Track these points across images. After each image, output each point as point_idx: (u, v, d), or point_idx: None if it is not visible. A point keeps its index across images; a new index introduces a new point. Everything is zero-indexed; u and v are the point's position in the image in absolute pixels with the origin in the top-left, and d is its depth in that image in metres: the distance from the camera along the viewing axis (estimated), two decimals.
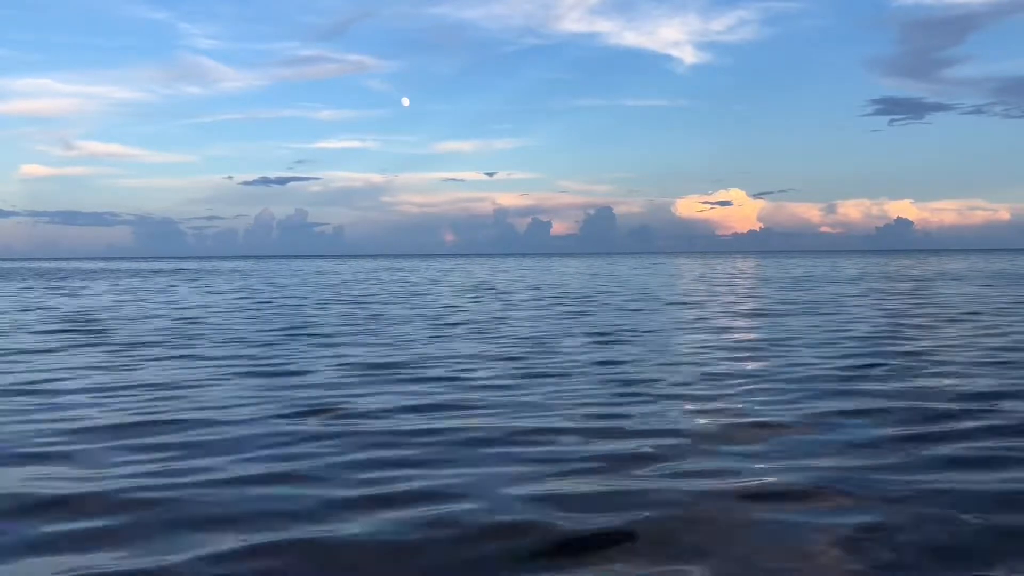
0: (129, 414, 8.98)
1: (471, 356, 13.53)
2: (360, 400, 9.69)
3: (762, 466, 6.65)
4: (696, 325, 18.69)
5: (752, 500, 5.79)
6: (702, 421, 8.32)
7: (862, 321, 19.10)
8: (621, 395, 9.83)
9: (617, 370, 11.79)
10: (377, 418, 8.67)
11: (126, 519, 5.50)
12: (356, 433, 7.95)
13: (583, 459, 6.91)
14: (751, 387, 10.26)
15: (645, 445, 7.38)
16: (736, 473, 6.45)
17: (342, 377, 11.45)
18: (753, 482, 6.20)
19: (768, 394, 9.78)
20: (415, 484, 6.25)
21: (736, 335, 16.38)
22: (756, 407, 9.01)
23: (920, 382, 10.49)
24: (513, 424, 8.30)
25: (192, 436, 7.90)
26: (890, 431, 7.80)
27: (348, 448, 7.37)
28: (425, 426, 8.27)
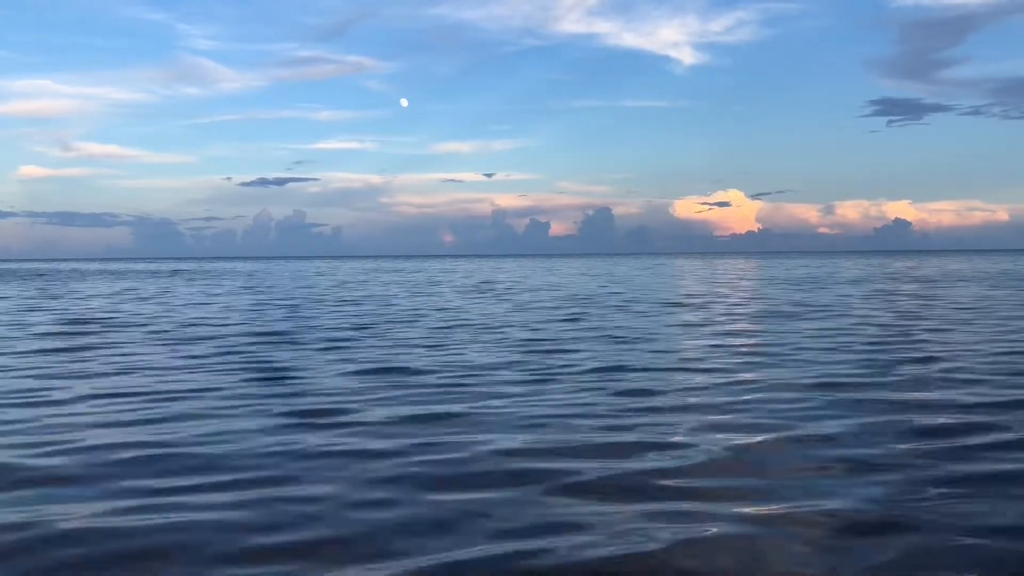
0: (124, 422, 8.60)
1: (474, 361, 13.14)
2: (359, 408, 9.30)
3: (780, 484, 6.26)
4: (704, 328, 18.30)
5: (772, 523, 5.40)
6: (718, 435, 7.93)
7: (873, 324, 18.73)
8: (632, 405, 9.43)
9: (627, 378, 11.40)
10: (376, 428, 8.27)
11: (110, 546, 5.11)
12: (354, 444, 7.56)
13: (596, 479, 6.52)
14: (767, 396, 9.87)
15: (660, 460, 6.99)
16: (755, 493, 6.07)
17: (340, 383, 11.06)
18: (775, 506, 5.82)
19: (784, 403, 9.39)
20: (415, 508, 5.86)
21: (746, 339, 15.99)
22: (773, 419, 8.62)
23: (939, 390, 10.11)
24: (520, 439, 7.91)
25: (187, 446, 7.51)
26: (913, 445, 7.43)
27: (344, 462, 6.99)
28: (426, 440, 7.88)
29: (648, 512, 5.59)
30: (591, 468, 6.70)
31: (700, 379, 11.07)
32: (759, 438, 7.68)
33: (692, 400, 9.61)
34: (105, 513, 5.66)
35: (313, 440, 7.77)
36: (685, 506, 5.72)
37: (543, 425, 8.35)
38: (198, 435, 8.04)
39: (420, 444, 7.60)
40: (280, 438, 7.88)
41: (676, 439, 7.67)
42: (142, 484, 6.39)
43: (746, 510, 5.62)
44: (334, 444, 7.60)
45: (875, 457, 6.98)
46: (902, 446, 7.35)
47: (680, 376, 11.36)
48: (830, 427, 8.10)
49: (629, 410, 9.05)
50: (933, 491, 6.02)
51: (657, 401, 9.57)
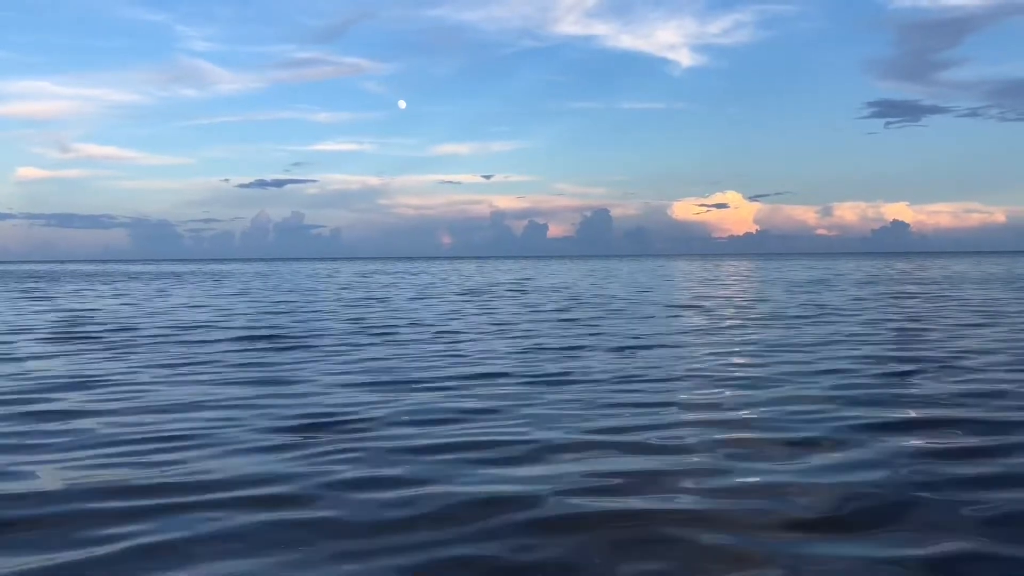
0: (122, 429, 8.07)
1: (480, 367, 12.62)
2: (362, 415, 8.77)
3: (810, 492, 5.74)
4: (715, 331, 17.78)
5: (802, 531, 4.88)
6: (746, 456, 7.41)
7: (891, 329, 18.22)
8: (656, 421, 8.91)
9: (641, 385, 10.87)
10: (381, 448, 7.74)
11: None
12: (359, 451, 7.04)
13: (632, 519, 5.99)
14: (795, 410, 9.35)
15: (678, 469, 6.48)
16: (779, 502, 5.55)
17: (344, 389, 10.53)
18: (801, 514, 5.30)
19: (815, 421, 8.87)
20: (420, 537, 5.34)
21: (759, 343, 15.47)
22: (796, 424, 8.10)
23: (976, 407, 9.59)
24: (532, 467, 7.38)
25: (183, 453, 6.98)
26: (947, 447, 6.92)
27: (348, 470, 6.46)
28: (431, 470, 7.35)
29: (669, 518, 5.08)
30: (620, 504, 6.18)
31: (720, 384, 10.55)
32: (786, 442, 7.16)
33: (718, 416, 9.08)
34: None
35: (313, 447, 7.25)
36: (710, 508, 5.20)
37: (560, 449, 7.82)
38: (189, 442, 7.51)
39: (425, 472, 7.08)
40: (276, 447, 7.35)
41: (697, 448, 7.14)
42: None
43: (777, 520, 5.10)
44: (334, 451, 7.09)
45: (918, 492, 6.30)
46: (948, 472, 6.82)
47: (699, 382, 10.84)
48: (860, 428, 7.60)
49: (651, 425, 8.52)
50: (988, 535, 5.47)
51: (683, 417, 9.04)
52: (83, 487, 6.45)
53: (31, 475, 6.85)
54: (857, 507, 5.80)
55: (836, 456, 7.19)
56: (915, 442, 7.68)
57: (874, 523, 5.49)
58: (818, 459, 7.10)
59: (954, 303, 26.85)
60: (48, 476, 6.80)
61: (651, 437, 7.97)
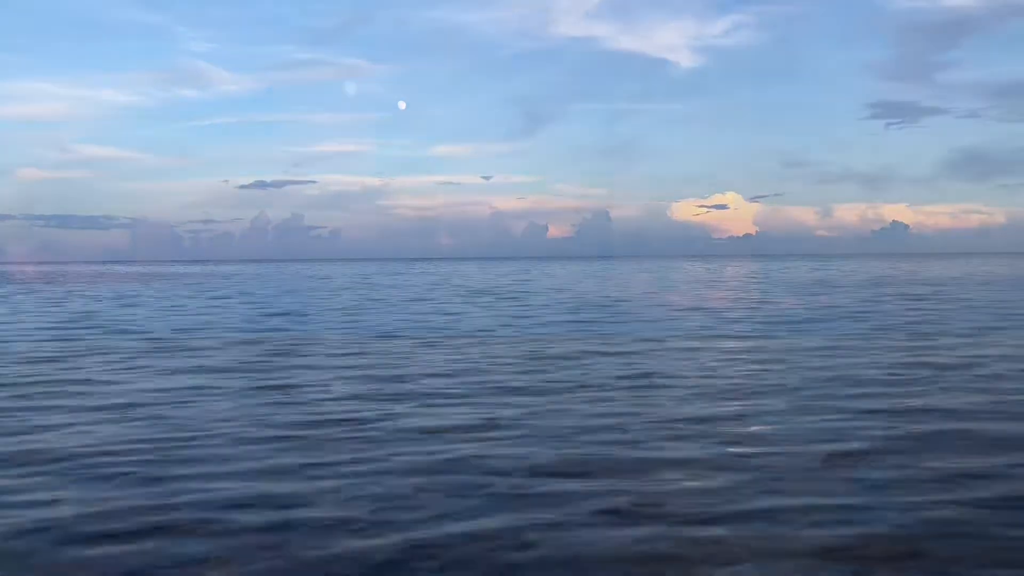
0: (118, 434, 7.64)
1: (485, 374, 12.20)
2: (366, 419, 8.34)
3: (833, 509, 5.31)
4: (724, 336, 17.35)
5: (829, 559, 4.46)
6: (752, 451, 6.99)
7: (910, 332, 17.80)
8: (660, 428, 8.49)
9: (651, 393, 10.45)
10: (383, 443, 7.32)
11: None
12: (362, 459, 6.62)
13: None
14: (806, 416, 8.92)
15: (693, 478, 6.07)
16: (804, 517, 5.12)
17: (344, 394, 10.12)
18: (828, 533, 4.89)
19: (825, 423, 8.45)
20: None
21: (770, 348, 15.04)
22: (813, 436, 7.69)
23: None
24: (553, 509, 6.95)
25: (183, 464, 6.56)
26: (973, 462, 6.52)
27: (353, 476, 6.05)
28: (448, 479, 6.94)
29: (692, 538, 4.66)
30: (630, 529, 5.75)
31: (739, 388, 10.12)
32: (813, 480, 6.73)
33: (731, 429, 8.65)
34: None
35: (316, 454, 6.82)
36: (729, 533, 4.78)
37: (567, 465, 7.39)
38: (185, 447, 7.08)
39: (426, 487, 6.66)
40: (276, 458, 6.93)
41: (713, 479, 6.72)
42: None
43: (806, 545, 4.68)
44: (339, 457, 6.66)
45: (950, 517, 5.83)
46: (980, 494, 6.41)
47: (712, 397, 10.40)
48: (883, 438, 7.18)
49: (662, 438, 8.10)
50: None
51: (694, 429, 8.61)
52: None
53: None
54: (881, 533, 5.38)
55: (858, 472, 6.77)
56: (942, 459, 7.25)
57: (902, 551, 5.07)
58: (838, 475, 6.69)
59: (964, 304, 26.44)
60: None
61: (662, 452, 7.57)
